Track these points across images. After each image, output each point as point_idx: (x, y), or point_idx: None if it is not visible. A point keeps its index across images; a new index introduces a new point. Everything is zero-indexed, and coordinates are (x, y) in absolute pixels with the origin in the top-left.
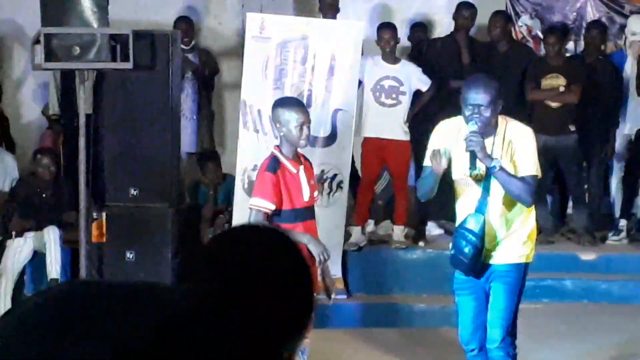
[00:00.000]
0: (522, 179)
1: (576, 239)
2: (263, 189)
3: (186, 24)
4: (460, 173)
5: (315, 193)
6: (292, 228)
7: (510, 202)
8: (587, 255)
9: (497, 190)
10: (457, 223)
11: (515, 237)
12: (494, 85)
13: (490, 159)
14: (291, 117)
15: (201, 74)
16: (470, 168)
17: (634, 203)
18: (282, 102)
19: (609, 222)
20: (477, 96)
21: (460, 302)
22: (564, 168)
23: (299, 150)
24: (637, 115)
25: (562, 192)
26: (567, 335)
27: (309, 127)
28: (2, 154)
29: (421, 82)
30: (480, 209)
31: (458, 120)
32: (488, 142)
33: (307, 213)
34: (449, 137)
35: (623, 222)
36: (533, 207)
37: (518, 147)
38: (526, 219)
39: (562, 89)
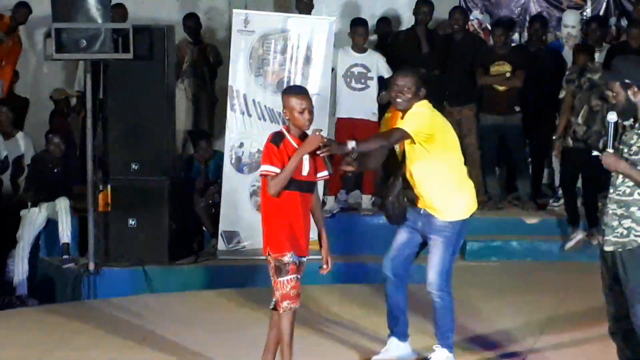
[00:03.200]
0: None
1: (521, 205)
2: (269, 156)
3: (193, 21)
4: None
5: (325, 172)
6: (291, 197)
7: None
8: (531, 219)
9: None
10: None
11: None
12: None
13: None
14: (295, 104)
15: (208, 64)
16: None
17: None
18: (289, 90)
19: (549, 190)
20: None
21: (396, 232)
22: (510, 144)
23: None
24: None
25: (508, 165)
26: (513, 289)
27: (311, 112)
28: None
29: (385, 70)
30: None
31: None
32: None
33: (305, 186)
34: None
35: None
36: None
37: None
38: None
39: (508, 74)
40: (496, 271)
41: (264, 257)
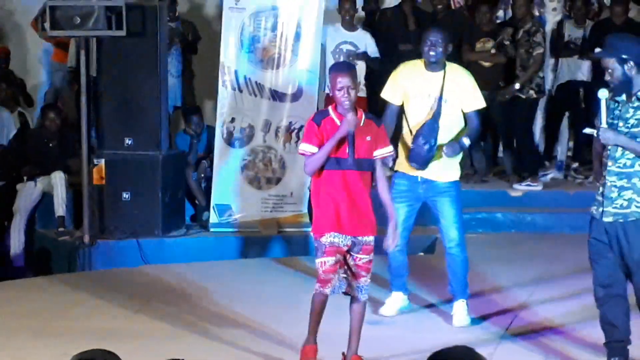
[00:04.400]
0: None
1: (506, 178)
2: (307, 135)
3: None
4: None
5: (387, 149)
6: (331, 176)
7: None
8: (515, 192)
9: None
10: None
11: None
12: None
13: None
14: (335, 81)
15: (186, 41)
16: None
17: (554, 147)
18: (333, 68)
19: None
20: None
21: (397, 208)
22: (495, 118)
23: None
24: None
25: (494, 139)
26: (498, 260)
27: (352, 90)
28: (1, 111)
29: (372, 51)
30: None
31: (415, 62)
32: None
33: (350, 164)
34: (409, 74)
35: (546, 164)
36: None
37: None
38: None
39: (493, 51)
40: (482, 242)
41: (255, 230)
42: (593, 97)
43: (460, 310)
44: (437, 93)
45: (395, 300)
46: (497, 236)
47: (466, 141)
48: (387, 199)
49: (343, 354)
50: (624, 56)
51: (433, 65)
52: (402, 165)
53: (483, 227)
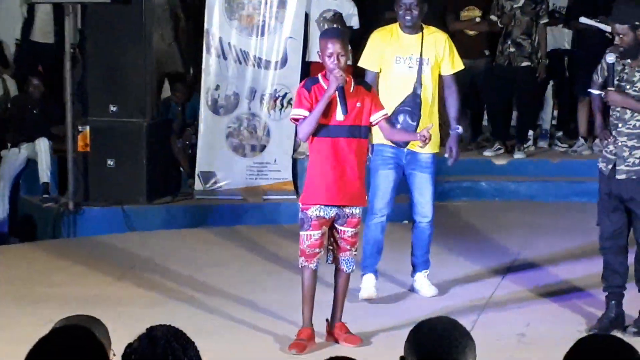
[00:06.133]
0: None
1: (489, 147)
2: (298, 101)
3: None
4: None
5: (381, 112)
6: (325, 142)
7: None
8: (499, 161)
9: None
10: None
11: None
12: None
13: None
14: (324, 47)
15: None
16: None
17: (539, 115)
18: (323, 34)
19: (517, 132)
20: None
21: (384, 175)
22: (480, 86)
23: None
24: None
25: (477, 107)
26: (481, 228)
27: (342, 57)
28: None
29: (355, 21)
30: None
31: (390, 26)
32: None
33: (341, 131)
34: (385, 39)
35: (530, 132)
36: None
37: None
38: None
39: (478, 19)
40: (466, 210)
41: (239, 197)
42: (577, 65)
43: (424, 281)
44: (417, 55)
45: (371, 281)
46: (480, 204)
47: (459, 127)
48: (394, 133)
49: (327, 320)
50: (637, 22)
51: (409, 29)
52: (382, 139)
53: (467, 195)
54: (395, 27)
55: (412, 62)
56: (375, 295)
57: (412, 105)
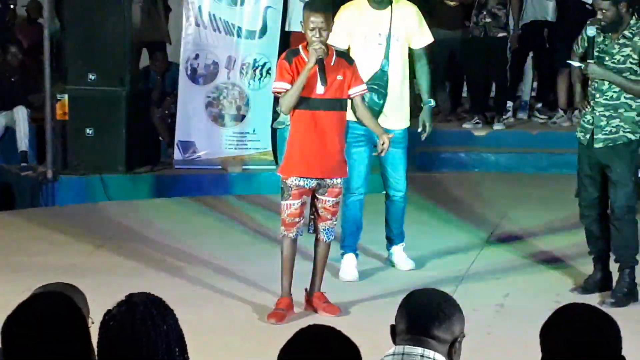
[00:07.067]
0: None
1: (469, 118)
2: (279, 73)
3: None
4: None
5: (360, 87)
6: (302, 116)
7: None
8: (479, 132)
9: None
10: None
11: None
12: None
13: None
14: (308, 20)
15: None
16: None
17: (519, 87)
18: (308, 5)
19: (496, 104)
20: None
21: (357, 153)
22: (460, 58)
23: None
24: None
25: (458, 78)
26: (461, 199)
27: (324, 31)
28: None
29: None
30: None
31: (358, 1)
32: None
33: (321, 104)
34: (353, 14)
35: (510, 104)
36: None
37: None
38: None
39: None
40: (445, 182)
41: (218, 167)
42: (557, 37)
43: (401, 254)
44: (386, 31)
45: (351, 263)
46: (460, 175)
47: (431, 101)
48: (364, 117)
49: (306, 289)
50: None
51: (377, 3)
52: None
53: (446, 166)
54: (363, 1)
55: (380, 39)
56: (357, 277)
57: (379, 83)
